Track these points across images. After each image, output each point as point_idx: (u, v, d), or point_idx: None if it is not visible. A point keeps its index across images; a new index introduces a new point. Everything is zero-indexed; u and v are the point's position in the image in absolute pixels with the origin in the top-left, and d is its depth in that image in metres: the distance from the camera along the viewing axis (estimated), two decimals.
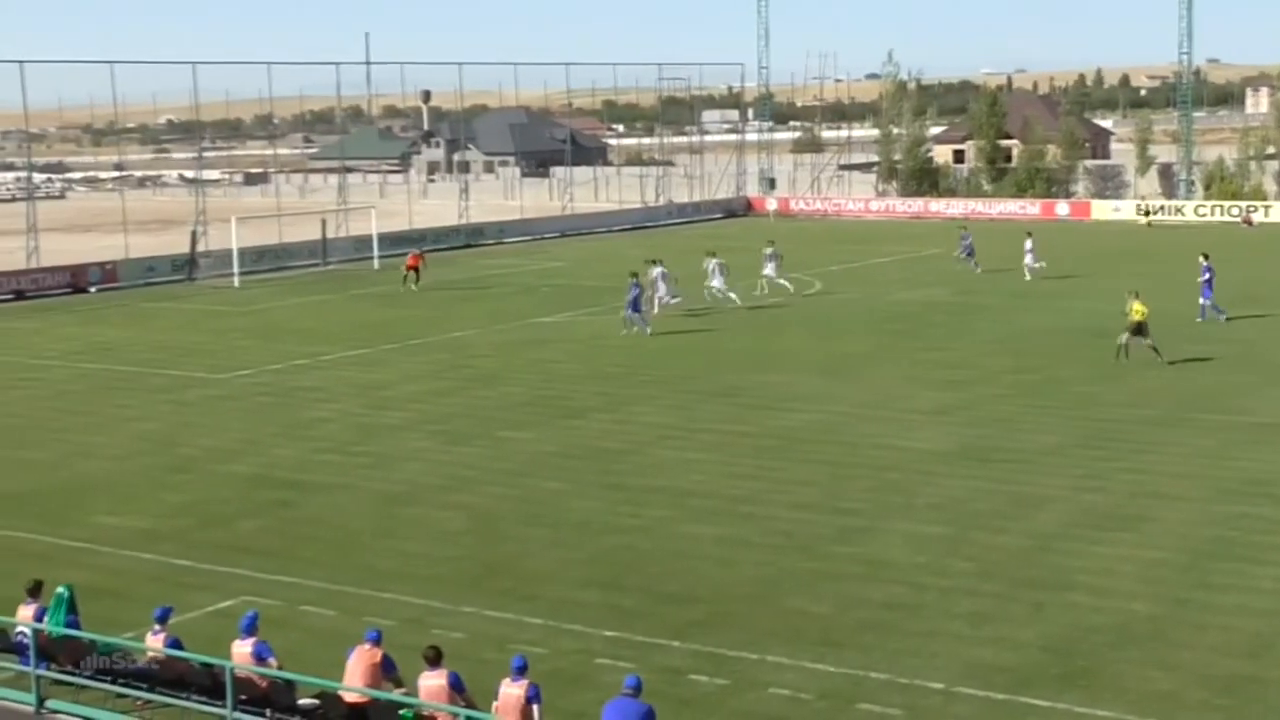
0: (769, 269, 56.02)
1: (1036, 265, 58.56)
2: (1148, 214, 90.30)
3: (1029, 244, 59.50)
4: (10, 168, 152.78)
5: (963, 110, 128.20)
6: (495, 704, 15.61)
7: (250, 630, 17.11)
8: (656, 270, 50.32)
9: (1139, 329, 39.20)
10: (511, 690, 15.54)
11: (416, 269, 61.32)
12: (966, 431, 32.33)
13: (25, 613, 18.58)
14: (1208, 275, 46.67)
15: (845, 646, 19.66)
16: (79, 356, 45.57)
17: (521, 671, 15.62)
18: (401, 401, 37.20)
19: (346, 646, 16.87)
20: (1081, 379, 38.36)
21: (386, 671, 16.51)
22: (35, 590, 18.84)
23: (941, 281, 60.13)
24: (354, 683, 16.34)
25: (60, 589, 18.67)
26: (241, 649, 16.93)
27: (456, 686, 15.86)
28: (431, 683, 15.88)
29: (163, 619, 17.75)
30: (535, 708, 15.45)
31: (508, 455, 31.12)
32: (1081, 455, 29.98)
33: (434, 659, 16.02)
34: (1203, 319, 46.62)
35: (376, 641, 16.71)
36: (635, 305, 46.51)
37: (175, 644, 17.43)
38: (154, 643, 17.50)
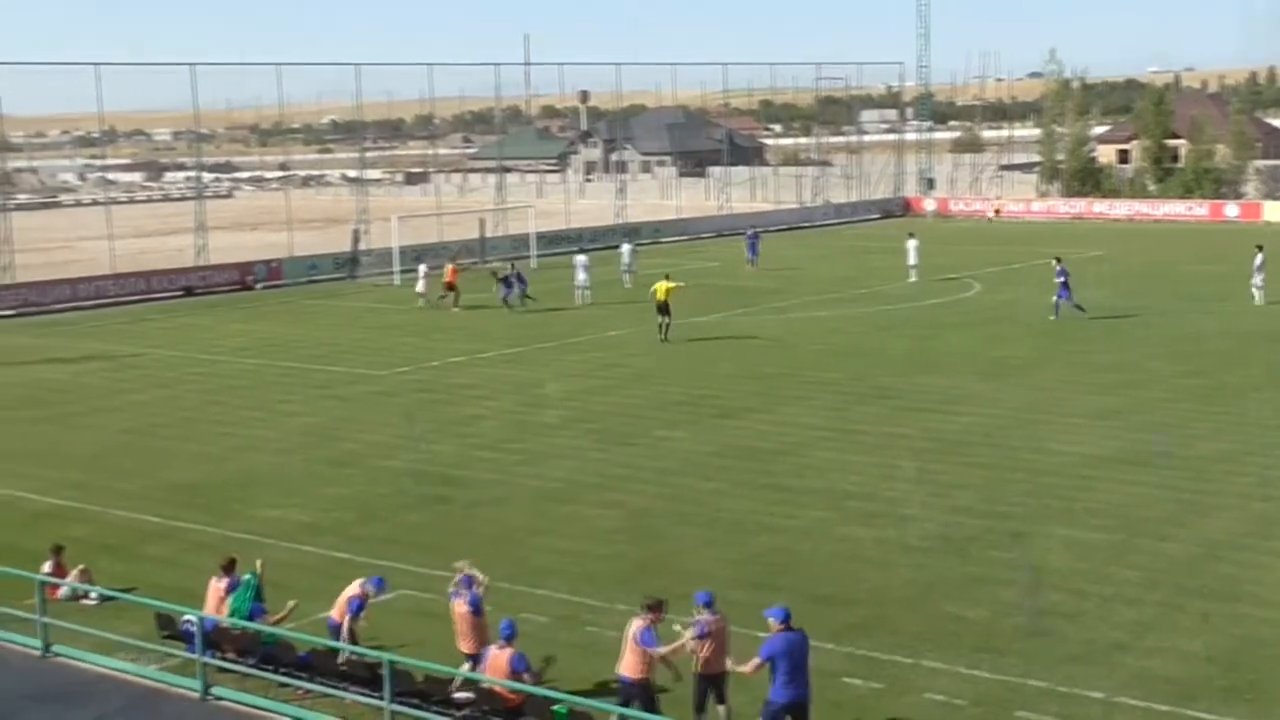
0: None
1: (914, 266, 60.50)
2: (997, 212, 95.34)
3: (912, 244, 60.91)
4: (181, 167, 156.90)
5: (1128, 109, 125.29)
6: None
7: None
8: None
9: (663, 308, 45.23)
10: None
11: (454, 286, 55.83)
12: (1130, 436, 31.64)
13: (218, 586, 19.30)
14: (1063, 278, 48.99)
15: (1002, 653, 19.33)
16: (245, 352, 46.62)
17: (509, 640, 16.73)
18: (557, 400, 37.44)
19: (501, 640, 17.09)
20: (1250, 384, 37.34)
21: (515, 671, 16.63)
22: (229, 567, 19.53)
23: (1103, 283, 58.94)
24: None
25: (249, 575, 19.15)
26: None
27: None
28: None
29: (379, 586, 19.05)
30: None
31: (662, 454, 31.16)
32: (1252, 462, 29.17)
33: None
34: (1055, 317, 48.46)
35: (509, 639, 16.93)
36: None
37: (358, 607, 18.54)
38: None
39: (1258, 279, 51.89)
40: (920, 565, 23.22)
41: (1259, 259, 52.16)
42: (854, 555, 23.83)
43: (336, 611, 18.70)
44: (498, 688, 16.53)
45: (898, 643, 19.78)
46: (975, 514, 25.94)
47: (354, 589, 18.78)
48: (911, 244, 60.74)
